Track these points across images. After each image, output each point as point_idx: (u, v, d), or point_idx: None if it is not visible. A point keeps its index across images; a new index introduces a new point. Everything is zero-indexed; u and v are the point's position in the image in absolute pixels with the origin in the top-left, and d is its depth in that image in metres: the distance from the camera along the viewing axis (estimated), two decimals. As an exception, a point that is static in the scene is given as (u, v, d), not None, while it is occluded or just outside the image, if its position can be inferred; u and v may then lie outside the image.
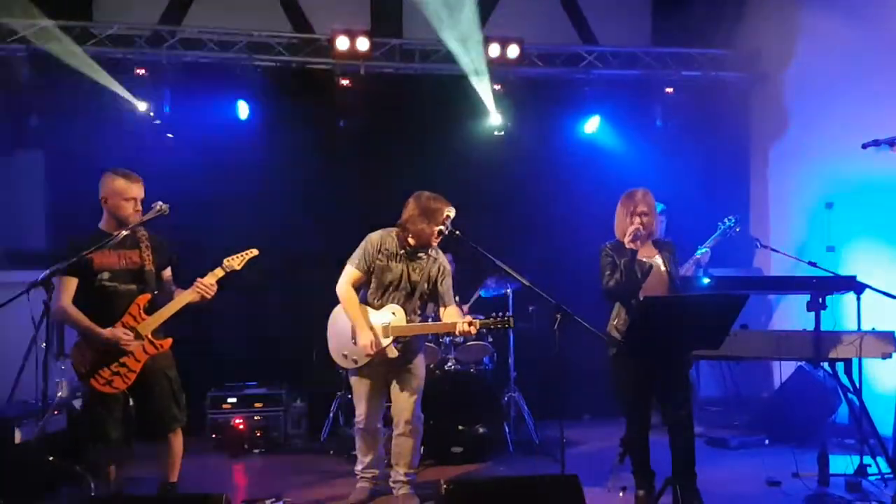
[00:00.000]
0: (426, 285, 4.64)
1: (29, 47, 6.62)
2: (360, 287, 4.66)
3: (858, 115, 6.17)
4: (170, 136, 6.86)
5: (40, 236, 6.87)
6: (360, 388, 4.71)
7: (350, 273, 4.61)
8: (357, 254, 4.63)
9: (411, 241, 4.55)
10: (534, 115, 7.40)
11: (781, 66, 7.30)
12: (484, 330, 4.68)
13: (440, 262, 4.68)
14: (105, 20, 7.04)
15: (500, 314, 4.49)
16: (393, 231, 4.64)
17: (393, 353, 4.55)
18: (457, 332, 4.50)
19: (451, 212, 4.43)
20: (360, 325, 4.52)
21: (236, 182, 6.97)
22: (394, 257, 4.59)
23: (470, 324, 4.41)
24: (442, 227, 4.42)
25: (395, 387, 4.68)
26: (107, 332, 3.94)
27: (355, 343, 4.55)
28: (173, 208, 4.08)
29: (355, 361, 4.61)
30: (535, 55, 7.38)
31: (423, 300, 4.69)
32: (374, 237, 4.63)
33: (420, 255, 4.62)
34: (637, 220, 4.38)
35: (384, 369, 4.65)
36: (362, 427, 4.76)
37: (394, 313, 4.55)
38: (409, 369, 4.67)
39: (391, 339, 4.52)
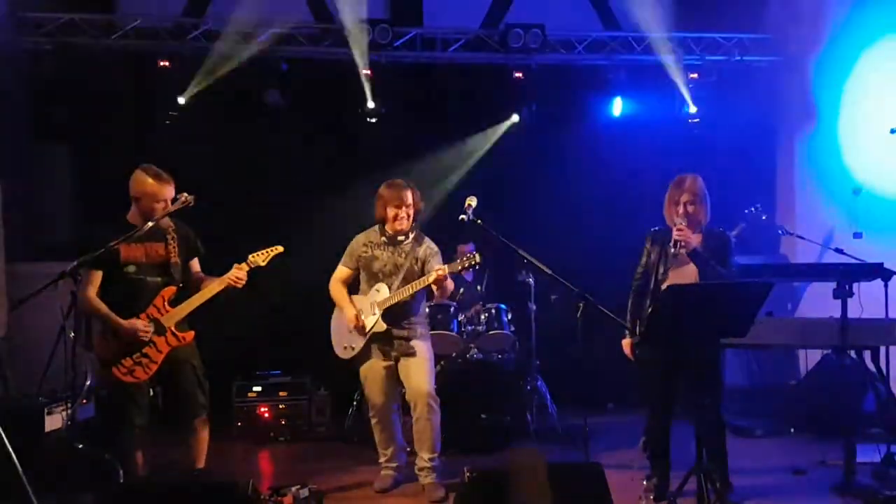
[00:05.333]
0: (415, 267, 4.77)
1: (54, 40, 6.69)
2: (352, 282, 4.89)
3: (887, 100, 6.07)
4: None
5: (66, 228, 6.95)
6: (370, 379, 4.80)
7: (337, 270, 4.90)
8: (344, 253, 4.90)
9: (388, 228, 4.78)
10: (556, 102, 7.36)
11: (809, 50, 7.19)
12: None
13: (426, 244, 4.85)
14: (129, 13, 7.09)
15: (466, 255, 4.60)
16: (375, 226, 4.87)
17: (381, 326, 4.68)
18: (431, 282, 4.56)
19: (472, 201, 4.43)
20: (344, 305, 4.78)
21: (260, 173, 7.01)
22: (378, 246, 4.81)
23: (439, 269, 4.54)
24: (463, 217, 4.41)
25: (405, 373, 4.73)
26: (126, 323, 3.99)
27: (350, 331, 4.75)
28: (197, 201, 4.11)
29: (353, 348, 4.76)
30: (557, 42, 7.32)
31: (407, 279, 4.75)
32: (359, 236, 4.92)
33: (400, 239, 4.80)
34: (681, 209, 4.34)
35: (390, 358, 4.73)
36: (378, 419, 4.84)
37: (378, 290, 4.73)
38: (415, 353, 4.73)
39: (378, 314, 4.67)
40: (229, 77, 6.82)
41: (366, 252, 4.81)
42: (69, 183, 7.07)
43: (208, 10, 7.37)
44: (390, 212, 4.72)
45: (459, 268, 4.58)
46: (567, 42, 7.36)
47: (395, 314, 4.70)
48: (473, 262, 4.56)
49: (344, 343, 4.81)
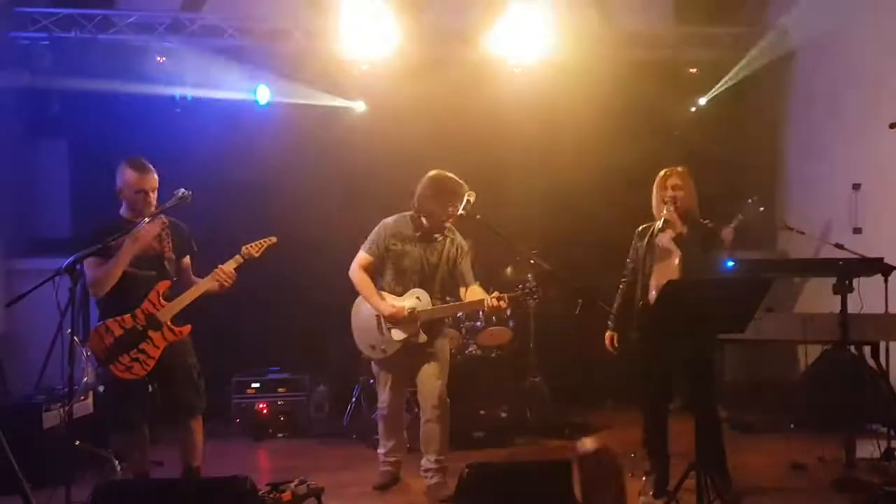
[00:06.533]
0: (446, 267, 4.59)
1: (51, 35, 6.66)
2: (374, 272, 4.62)
3: (887, 95, 6.05)
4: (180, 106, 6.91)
5: (64, 224, 6.94)
6: (383, 374, 4.70)
7: (361, 257, 4.60)
8: (370, 238, 4.61)
9: (425, 221, 4.52)
10: (556, 96, 7.33)
11: (809, 44, 7.17)
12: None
13: (458, 243, 4.63)
14: (126, 8, 7.07)
15: (526, 286, 4.42)
16: (407, 215, 4.61)
17: (422, 337, 4.52)
18: (486, 308, 4.43)
19: (471, 196, 4.40)
20: (375, 300, 4.51)
21: (256, 168, 6.99)
22: (409, 241, 4.55)
23: (499, 298, 4.34)
24: (462, 212, 4.38)
25: (421, 373, 4.64)
26: (125, 247, 3.91)
27: (382, 333, 4.55)
28: (194, 195, 4.09)
29: (384, 351, 4.58)
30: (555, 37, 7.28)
31: (443, 283, 4.63)
32: (389, 222, 4.61)
33: (435, 236, 4.57)
34: (669, 193, 4.36)
35: (409, 356, 4.63)
36: (385, 413, 4.76)
37: (418, 297, 4.51)
38: (434, 354, 4.62)
39: (418, 324, 4.49)
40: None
41: (395, 245, 4.55)
42: (66, 178, 7.05)
43: (205, 6, 7.35)
44: (450, 209, 4.41)
45: (521, 300, 4.42)
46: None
47: (432, 324, 4.57)
48: (534, 297, 4.39)
49: (372, 342, 4.60)
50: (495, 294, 4.37)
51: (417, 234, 4.55)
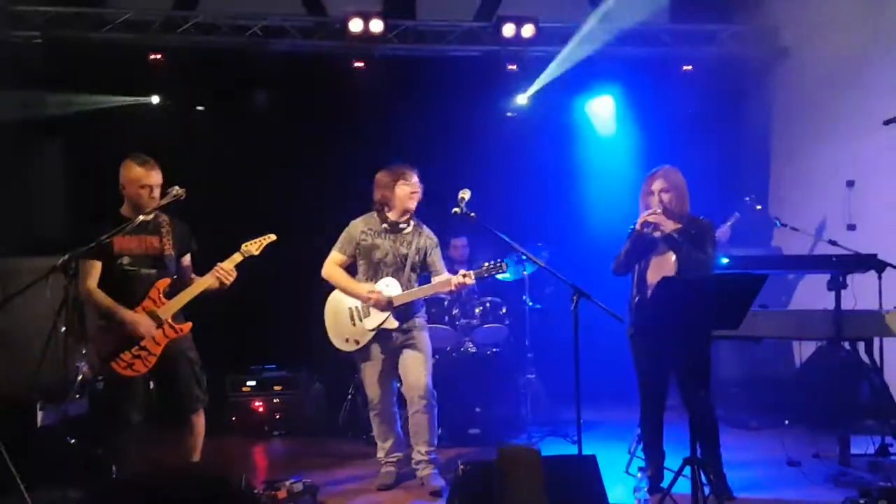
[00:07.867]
0: (416, 257, 4.70)
1: (44, 34, 6.64)
2: (347, 270, 4.76)
3: (881, 92, 6.06)
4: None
5: (60, 223, 6.92)
6: (369, 372, 4.74)
7: (332, 256, 4.76)
8: (340, 238, 4.77)
9: (389, 214, 4.67)
10: (550, 94, 7.34)
11: (803, 41, 7.18)
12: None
13: (426, 234, 4.78)
14: (119, 6, 7.05)
15: (492, 261, 4.52)
16: (374, 212, 4.76)
17: (392, 323, 4.60)
18: (453, 287, 4.54)
19: (465, 194, 4.40)
20: (351, 286, 4.66)
21: (252, 166, 6.98)
22: (378, 234, 4.69)
23: (464, 276, 4.48)
24: (456, 210, 4.37)
25: (402, 366, 4.69)
26: (129, 315, 3.96)
27: (354, 324, 4.64)
28: (190, 193, 4.09)
29: (357, 342, 4.67)
30: (551, 34, 7.30)
31: (415, 272, 4.73)
32: (356, 221, 4.78)
33: (402, 227, 4.70)
34: (656, 197, 4.34)
35: (389, 350, 4.68)
36: (377, 412, 4.78)
37: (388, 285, 4.63)
38: (414, 345, 4.68)
39: (388, 311, 4.58)
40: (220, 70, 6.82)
41: (365, 239, 4.69)
42: (61, 177, 7.03)
43: (199, 4, 7.34)
44: (401, 190, 4.60)
45: (486, 275, 4.51)
46: (561, 34, 7.33)
47: (402, 309, 4.64)
48: (500, 271, 4.51)
49: (346, 335, 4.70)
50: (461, 272, 4.52)
51: (384, 226, 4.69)
